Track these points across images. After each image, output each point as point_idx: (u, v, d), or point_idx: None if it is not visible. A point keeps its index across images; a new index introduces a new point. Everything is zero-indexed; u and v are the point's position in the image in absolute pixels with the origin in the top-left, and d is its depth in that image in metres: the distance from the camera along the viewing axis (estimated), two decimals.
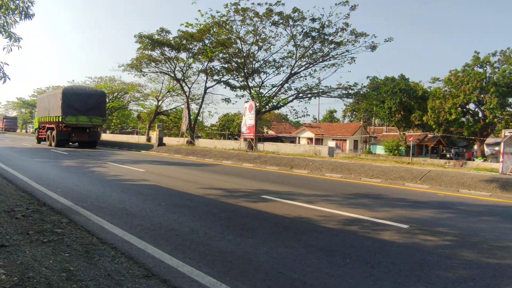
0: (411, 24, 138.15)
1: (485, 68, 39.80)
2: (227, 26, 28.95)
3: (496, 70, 39.22)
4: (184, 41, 31.55)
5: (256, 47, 30.29)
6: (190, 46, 32.34)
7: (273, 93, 31.40)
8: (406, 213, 6.36)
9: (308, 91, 31.18)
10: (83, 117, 22.74)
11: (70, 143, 24.10)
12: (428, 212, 6.54)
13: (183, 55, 33.76)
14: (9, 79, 6.36)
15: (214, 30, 29.28)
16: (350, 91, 30.66)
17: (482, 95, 38.59)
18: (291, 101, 31.51)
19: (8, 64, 6.24)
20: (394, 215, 6.06)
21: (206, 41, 30.95)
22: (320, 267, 3.59)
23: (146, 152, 21.74)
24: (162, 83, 41.44)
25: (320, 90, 31.06)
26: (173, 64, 34.61)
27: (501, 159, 20.44)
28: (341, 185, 10.06)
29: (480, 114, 41.81)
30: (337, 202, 7.20)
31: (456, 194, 9.05)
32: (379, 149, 48.39)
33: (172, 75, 35.99)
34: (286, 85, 31.39)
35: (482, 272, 3.60)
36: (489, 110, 37.51)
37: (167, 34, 32.00)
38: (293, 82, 31.72)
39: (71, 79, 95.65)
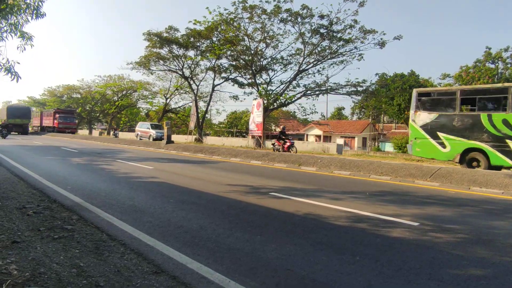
0: (421, 19, 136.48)
1: (497, 64, 39.19)
2: (235, 24, 28.93)
3: (509, 65, 38.55)
4: (192, 39, 31.61)
5: (264, 45, 30.22)
6: (198, 44, 32.40)
7: (281, 90, 31.31)
8: (417, 210, 6.30)
9: (316, 88, 31.04)
10: (18, 119, 43.17)
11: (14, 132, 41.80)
12: (439, 210, 6.46)
13: (191, 53, 33.84)
14: (20, 78, 6.43)
15: (222, 27, 29.28)
16: (358, 88, 30.45)
17: None
18: (299, 98, 31.40)
19: (19, 63, 6.30)
20: (404, 213, 6.00)
21: (214, 39, 30.97)
22: (329, 264, 3.56)
23: (154, 149, 21.86)
24: (170, 81, 41.64)
25: (328, 87, 30.90)
26: (181, 62, 34.71)
27: None
28: (350, 183, 10.00)
29: None
30: (345, 199, 7.15)
31: (467, 191, 8.93)
32: (388, 147, 48.05)
33: (180, 73, 36.10)
34: (294, 82, 31.28)
35: (495, 271, 3.55)
36: None
37: (176, 32, 32.11)
38: (301, 78, 31.61)
39: (80, 78, 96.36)
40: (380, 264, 3.62)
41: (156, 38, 32.01)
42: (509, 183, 8.92)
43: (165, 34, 32.00)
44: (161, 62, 35.06)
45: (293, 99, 31.16)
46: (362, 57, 29.10)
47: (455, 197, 8.03)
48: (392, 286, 3.10)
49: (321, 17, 27.31)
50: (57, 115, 47.27)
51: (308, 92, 31.42)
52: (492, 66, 39.07)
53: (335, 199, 7.03)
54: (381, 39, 27.56)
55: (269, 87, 32.10)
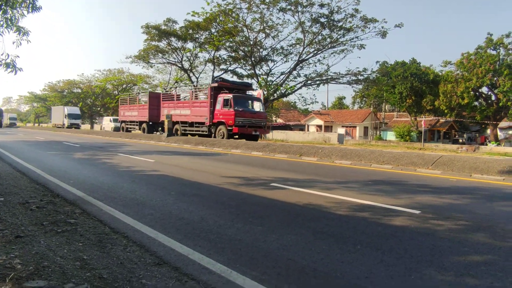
0: (423, 5, 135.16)
1: (498, 50, 38.87)
2: (233, 14, 28.73)
3: (510, 52, 38.21)
4: (191, 31, 31.44)
5: (263, 35, 30.04)
6: (197, 36, 32.24)
7: (281, 81, 31.20)
8: (418, 198, 6.31)
9: (317, 78, 30.92)
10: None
11: None
12: (440, 198, 6.47)
13: (189, 45, 33.71)
14: (21, 70, 6.43)
15: (221, 18, 29.09)
16: (359, 77, 30.31)
17: (495, 78, 37.79)
18: (300, 88, 31.32)
19: (19, 57, 6.30)
20: (406, 201, 6.01)
21: (213, 30, 30.79)
22: (330, 253, 3.59)
23: (155, 142, 21.90)
24: (170, 74, 41.54)
25: (329, 77, 30.78)
26: (180, 54, 34.57)
27: None
28: (351, 172, 10.01)
29: (493, 98, 41.00)
30: (347, 188, 7.17)
31: (468, 179, 8.94)
32: (390, 135, 47.97)
33: (180, 65, 35.98)
34: (294, 72, 31.14)
35: (495, 257, 3.56)
36: (503, 93, 36.74)
37: (174, 24, 31.93)
38: (301, 68, 31.51)
39: (80, 73, 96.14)
40: (381, 252, 3.64)
41: (154, 31, 31.84)
42: (510, 170, 8.91)
43: (163, 27, 31.83)
44: (160, 55, 34.94)
45: (294, 89, 31.06)
46: (363, 46, 28.94)
47: (457, 185, 8.04)
48: (393, 274, 3.12)
49: (321, 6, 27.09)
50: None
51: (309, 82, 31.31)
52: (494, 52, 38.74)
53: (336, 189, 7.05)
54: (382, 27, 27.38)
55: (269, 78, 31.98)
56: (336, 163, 11.84)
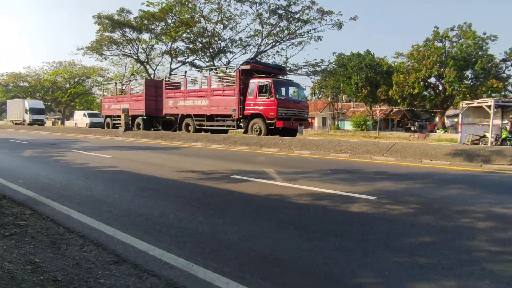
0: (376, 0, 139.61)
1: (444, 43, 41.06)
2: (190, 5, 28.15)
3: (454, 44, 40.54)
4: (146, 21, 30.46)
5: (221, 26, 29.74)
6: (152, 27, 31.29)
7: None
8: (374, 185, 6.58)
9: None
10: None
11: None
12: (394, 183, 6.79)
13: (145, 36, 32.70)
14: None
15: (177, 9, 28.40)
16: (317, 68, 30.90)
17: (442, 69, 39.94)
18: None
19: None
20: (362, 188, 6.24)
21: (169, 21, 30.00)
22: (290, 242, 3.65)
23: (112, 137, 21.14)
24: (125, 66, 40.12)
25: (288, 68, 31.09)
26: (135, 45, 33.45)
27: (459, 130, 21.45)
28: (310, 162, 10.23)
29: (441, 87, 43.42)
30: (307, 178, 7.32)
31: (419, 164, 9.44)
32: (347, 125, 49.53)
33: (135, 57, 34.84)
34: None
35: (442, 236, 3.80)
36: (448, 83, 38.99)
37: (128, 14, 30.78)
38: (260, 60, 31.54)
39: (26, 65, 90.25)
40: (339, 238, 3.76)
41: (107, 21, 30.52)
42: (456, 155, 9.52)
43: (117, 17, 30.58)
44: (114, 46, 33.60)
45: None
46: (320, 38, 29.49)
47: (409, 171, 8.46)
48: (351, 258, 3.24)
49: None
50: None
51: None
52: (440, 44, 40.93)
53: (297, 179, 7.18)
54: (338, 19, 28.02)
55: (228, 70, 31.78)
56: (296, 154, 12.05)
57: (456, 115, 48.50)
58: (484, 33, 39.29)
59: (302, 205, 5.13)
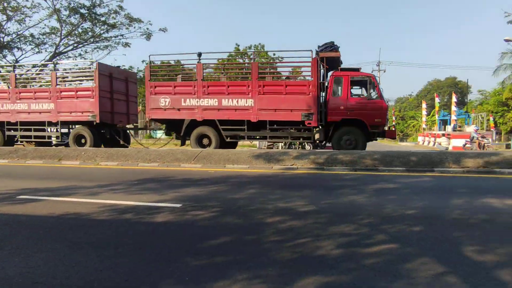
0: (184, 16, 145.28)
1: (244, 59, 46.05)
2: None
3: (253, 61, 45.87)
4: None
5: (5, 17, 24.98)
6: None
7: (33, 74, 26.81)
8: (181, 192, 6.71)
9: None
10: None
11: None
12: (200, 189, 7.11)
13: None
14: None
15: None
16: None
17: None
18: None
19: None
20: (169, 196, 6.28)
21: None
22: (88, 264, 3.31)
23: None
24: None
25: None
26: None
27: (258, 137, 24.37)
28: (117, 173, 9.67)
29: None
30: (111, 191, 6.86)
31: (224, 169, 10.23)
32: (160, 134, 49.27)
33: None
34: (50, 66, 27.33)
35: (239, 234, 4.20)
36: None
37: None
38: (59, 61, 28.01)
39: None
40: (142, 250, 3.66)
41: None
42: (253, 159, 10.79)
43: None
44: None
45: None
46: (128, 44, 28.48)
47: (214, 176, 9.05)
48: (152, 269, 3.18)
49: None
50: None
51: None
52: (241, 61, 45.84)
53: (100, 193, 6.64)
54: (147, 29, 27.71)
55: (17, 70, 26.91)
56: (102, 165, 11.17)
57: None
58: (274, 54, 46.26)
59: (103, 221, 4.75)
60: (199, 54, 13.75)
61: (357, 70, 13.57)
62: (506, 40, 25.20)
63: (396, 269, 3.15)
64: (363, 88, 13.43)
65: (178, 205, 5.58)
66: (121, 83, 16.75)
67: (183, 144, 14.90)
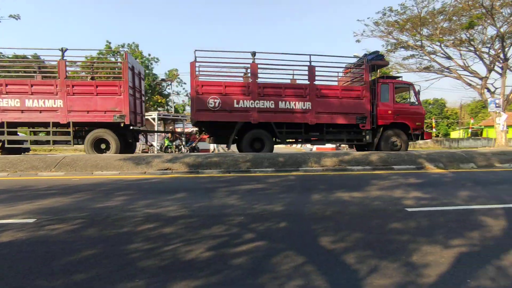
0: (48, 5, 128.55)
1: (116, 58, 43.15)
2: None
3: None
4: None
5: None
6: None
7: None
8: (35, 205, 5.88)
9: None
10: None
11: None
12: (60, 200, 6.34)
13: None
14: None
15: None
16: None
17: None
18: None
19: None
20: (20, 211, 5.45)
21: None
22: None
23: None
24: None
25: None
26: None
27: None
28: None
29: None
30: None
31: (91, 176, 9.36)
32: None
33: None
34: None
35: (105, 246, 3.87)
36: None
37: None
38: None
39: None
40: None
41: None
42: (123, 164, 10.16)
43: None
44: None
45: None
46: None
47: (78, 184, 8.20)
48: None
49: None
50: None
51: None
52: (113, 59, 42.79)
53: None
54: None
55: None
56: None
57: None
58: (149, 54, 44.49)
59: None
60: (254, 54, 13.37)
61: (399, 78, 15.04)
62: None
63: (262, 265, 3.33)
64: (415, 94, 14.68)
65: (31, 220, 4.88)
66: (137, 78, 14.68)
67: (229, 148, 14.48)
